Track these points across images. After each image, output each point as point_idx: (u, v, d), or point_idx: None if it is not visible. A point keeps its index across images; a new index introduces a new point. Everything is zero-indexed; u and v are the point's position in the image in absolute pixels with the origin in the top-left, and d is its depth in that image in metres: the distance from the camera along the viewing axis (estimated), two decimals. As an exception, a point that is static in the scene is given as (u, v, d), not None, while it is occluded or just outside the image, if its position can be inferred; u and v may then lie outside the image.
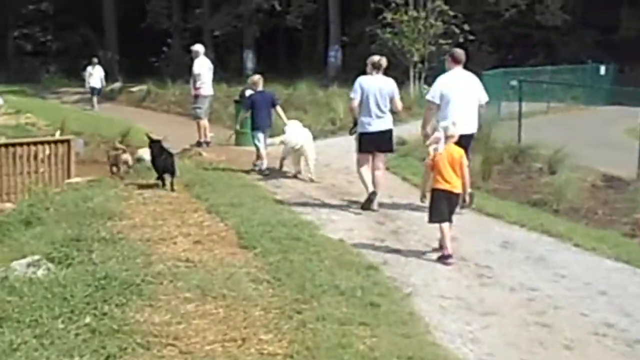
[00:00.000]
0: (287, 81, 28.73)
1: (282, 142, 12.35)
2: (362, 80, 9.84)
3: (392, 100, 9.87)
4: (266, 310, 5.88)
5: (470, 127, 9.41)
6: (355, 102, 9.81)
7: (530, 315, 6.28)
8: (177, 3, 39.78)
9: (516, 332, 5.92)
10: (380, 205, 10.02)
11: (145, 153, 13.61)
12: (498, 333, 5.86)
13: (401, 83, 25.98)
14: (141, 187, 10.90)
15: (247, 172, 12.58)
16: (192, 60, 16.35)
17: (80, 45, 41.51)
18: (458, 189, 7.81)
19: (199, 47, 16.37)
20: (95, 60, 29.16)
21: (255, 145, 12.73)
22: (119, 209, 9.38)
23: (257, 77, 13.40)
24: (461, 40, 25.65)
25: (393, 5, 25.57)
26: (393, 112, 10.07)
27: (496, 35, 32.18)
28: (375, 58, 9.98)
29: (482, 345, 5.58)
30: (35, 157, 14.16)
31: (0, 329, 5.45)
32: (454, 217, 7.93)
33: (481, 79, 20.82)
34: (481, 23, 30.31)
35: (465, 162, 7.87)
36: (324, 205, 10.26)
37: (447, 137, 7.80)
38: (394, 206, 10.22)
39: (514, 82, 18.44)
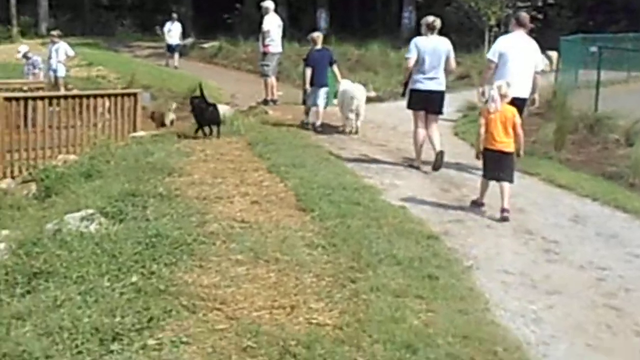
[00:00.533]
0: (359, 42, 28.24)
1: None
2: (417, 40, 10.01)
3: (447, 60, 9.96)
4: (319, 277, 5.63)
5: (524, 90, 9.40)
6: (411, 62, 9.94)
7: (599, 296, 5.87)
8: (252, -41, 39.47)
9: (583, 314, 5.53)
10: (447, 167, 9.82)
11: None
12: (563, 314, 5.48)
13: (476, 47, 25.49)
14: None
15: (311, 129, 12.34)
16: (262, 17, 16.06)
17: (155, 0, 41.62)
18: (510, 148, 7.89)
19: (269, 3, 16.04)
20: (175, 15, 28.40)
21: (313, 102, 12.94)
22: (179, 165, 9.25)
23: (316, 35, 13.45)
24: (540, 3, 24.80)
25: (471, -35, 24.81)
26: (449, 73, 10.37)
27: (577, 0, 30.98)
28: (430, 19, 10.06)
29: (545, 327, 5.21)
30: (103, 109, 14.18)
31: (47, 283, 5.38)
32: (522, 188, 7.65)
33: (559, 44, 20.39)
34: (562, -14, 29.23)
35: (518, 120, 7.97)
36: (389, 169, 9.96)
37: (501, 96, 7.87)
38: (460, 173, 9.86)
39: (594, 49, 17.62)
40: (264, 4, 16.10)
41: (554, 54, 25.49)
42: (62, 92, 18.79)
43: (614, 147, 11.95)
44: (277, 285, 5.45)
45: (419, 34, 10.29)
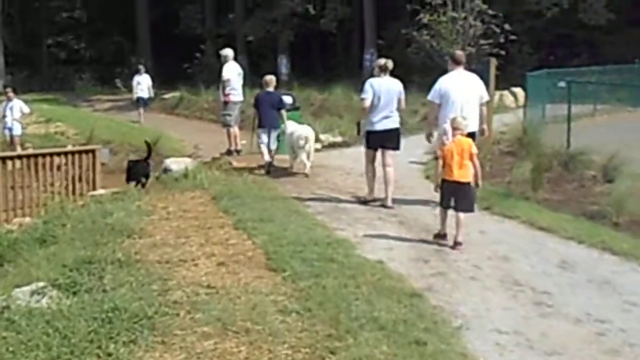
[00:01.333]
0: (322, 86, 27.92)
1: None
2: (372, 81, 10.29)
3: (399, 100, 10.32)
4: (294, 348, 5.09)
5: (472, 124, 9.49)
6: (367, 102, 10.21)
7: (603, 354, 5.39)
8: (210, 9, 39.19)
9: (587, 375, 5.05)
10: (423, 214, 9.41)
11: (172, 163, 13.00)
12: (566, 377, 5.00)
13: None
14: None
15: (282, 183, 11.83)
16: (222, 66, 15.60)
17: (114, 53, 41.25)
18: (466, 178, 8.09)
19: (227, 52, 15.59)
20: (142, 68, 27.03)
21: (258, 145, 13.21)
22: (139, 225, 8.68)
23: (268, 78, 13.66)
24: (502, 40, 24.74)
25: (429, 6, 24.66)
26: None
27: (537, 36, 31.06)
28: (382, 61, 10.49)
29: (548, 393, 4.73)
30: (58, 168, 13.60)
31: (-9, 373, 4.79)
32: (503, 233, 7.92)
33: (526, 80, 20.22)
34: (521, 23, 29.21)
35: (475, 150, 8.14)
36: (361, 219, 9.45)
37: (454, 129, 8.16)
38: (437, 220, 9.37)
39: (562, 84, 17.41)
40: (223, 52, 15.65)
41: (518, 90, 25.46)
42: (18, 151, 18.20)
43: (591, 184, 11.57)
44: (248, 360, 4.91)
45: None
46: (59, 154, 13.85)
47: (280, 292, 6.28)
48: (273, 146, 13.13)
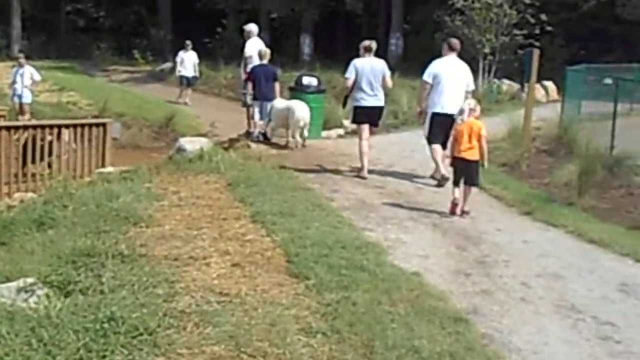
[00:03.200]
0: (344, 69, 26.90)
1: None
2: (356, 61, 11.22)
3: (384, 78, 11.13)
4: (321, 383, 4.26)
5: (456, 108, 9.98)
6: (350, 82, 11.18)
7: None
8: (234, -18, 38.26)
9: None
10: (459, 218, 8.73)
11: (187, 143, 12.11)
12: None
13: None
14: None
15: (302, 170, 10.98)
16: (244, 42, 14.67)
17: (133, 23, 40.27)
18: (473, 157, 8.83)
19: (252, 27, 14.65)
20: (189, 43, 24.80)
21: (260, 117, 13.57)
22: (147, 211, 7.88)
23: (263, 50, 13.87)
24: (536, 31, 23.73)
25: (464, -10, 23.65)
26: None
27: (570, 28, 29.91)
28: (366, 42, 11.37)
29: None
30: (68, 140, 12.80)
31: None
32: (549, 244, 7.69)
33: (560, 74, 19.21)
34: (555, 15, 28.11)
35: (484, 133, 8.88)
36: (391, 218, 8.57)
37: (470, 111, 8.96)
38: (476, 225, 8.51)
39: (609, 80, 16.39)
40: (247, 27, 14.72)
41: (549, 84, 24.46)
42: (26, 118, 17.42)
43: (641, 192, 10.64)
44: (266, 396, 4.08)
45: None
46: (67, 126, 13.02)
47: (304, 306, 5.44)
48: (265, 119, 13.56)
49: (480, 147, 8.79)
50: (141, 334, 4.67)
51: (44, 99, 21.71)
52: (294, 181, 10.12)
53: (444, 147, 10.45)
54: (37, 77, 18.91)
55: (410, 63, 25.39)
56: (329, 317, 5.21)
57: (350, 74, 11.13)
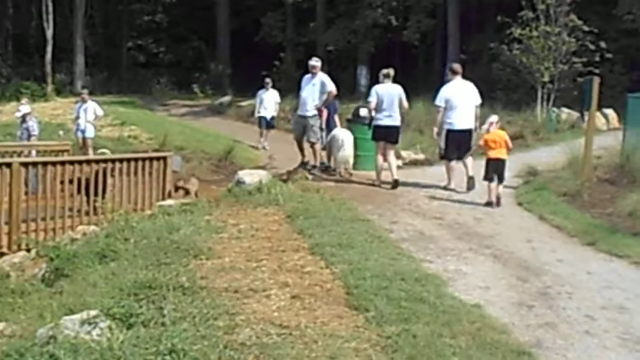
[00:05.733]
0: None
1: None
2: (376, 87, 12.89)
3: (400, 100, 12.64)
4: (383, 419, 4.22)
5: (469, 123, 12.38)
6: (373, 104, 12.70)
7: None
8: (292, 17, 38.59)
9: None
10: (519, 249, 8.54)
11: (246, 175, 12.18)
12: None
13: (527, 104, 24.05)
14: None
15: (360, 201, 10.95)
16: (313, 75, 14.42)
17: (192, 58, 41.03)
18: (503, 156, 11.36)
19: (315, 62, 14.37)
20: (269, 82, 22.92)
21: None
22: (207, 244, 7.93)
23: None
24: (596, 59, 23.41)
25: (521, 19, 23.48)
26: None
27: (631, 55, 29.42)
28: (385, 70, 12.92)
29: None
30: (129, 174, 12.98)
31: None
32: (613, 274, 7.67)
33: (620, 101, 18.86)
34: (614, 42, 27.72)
35: (507, 138, 11.48)
36: (450, 250, 8.51)
37: (492, 124, 11.52)
38: (537, 256, 8.38)
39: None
40: (312, 63, 14.52)
41: (609, 112, 24.00)
42: (90, 154, 17.78)
43: None
44: None
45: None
46: (129, 160, 13.22)
47: (364, 338, 5.41)
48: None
49: (507, 148, 11.38)
50: (202, 367, 4.70)
51: (105, 133, 22.14)
52: (352, 212, 10.11)
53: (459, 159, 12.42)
54: (100, 112, 19.32)
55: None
56: (389, 350, 5.18)
57: (373, 98, 12.68)
